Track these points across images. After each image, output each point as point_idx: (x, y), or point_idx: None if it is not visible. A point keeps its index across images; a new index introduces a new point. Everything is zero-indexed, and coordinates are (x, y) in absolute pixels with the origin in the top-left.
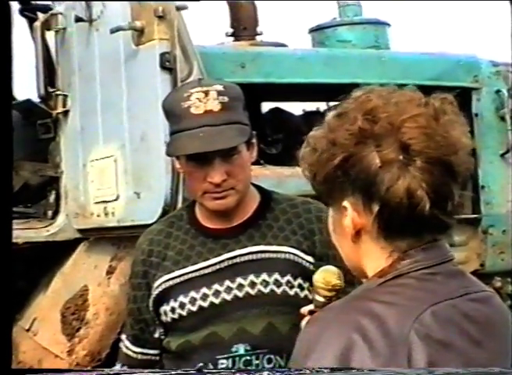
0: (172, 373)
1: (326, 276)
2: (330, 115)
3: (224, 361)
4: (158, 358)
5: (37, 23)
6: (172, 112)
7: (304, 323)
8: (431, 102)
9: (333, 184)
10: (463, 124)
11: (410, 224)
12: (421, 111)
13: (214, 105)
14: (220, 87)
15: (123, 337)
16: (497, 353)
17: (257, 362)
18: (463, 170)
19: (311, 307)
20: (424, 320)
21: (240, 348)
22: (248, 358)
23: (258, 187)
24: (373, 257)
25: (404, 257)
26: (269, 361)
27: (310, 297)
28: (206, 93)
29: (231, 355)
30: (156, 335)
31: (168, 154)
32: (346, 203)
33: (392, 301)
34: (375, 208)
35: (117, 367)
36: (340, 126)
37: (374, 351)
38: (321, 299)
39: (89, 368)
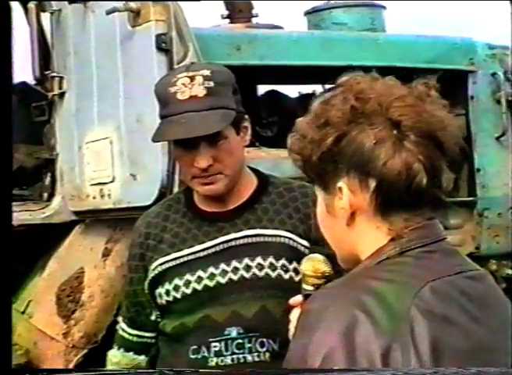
0: (165, 371)
1: (315, 263)
2: (315, 103)
3: (217, 344)
4: (153, 340)
5: (32, 5)
6: (161, 97)
7: (292, 315)
8: (414, 86)
9: (327, 166)
10: (446, 107)
11: (408, 198)
12: (407, 92)
13: (199, 90)
14: (207, 72)
15: (120, 319)
16: (494, 329)
17: (249, 345)
18: (452, 147)
19: (299, 298)
20: (424, 296)
21: (233, 331)
22: (240, 341)
23: (256, 171)
24: (368, 238)
25: (400, 236)
26: (262, 344)
27: None
28: (192, 78)
29: (223, 337)
30: (152, 318)
31: (153, 139)
32: (341, 183)
33: (391, 279)
34: (372, 184)
35: (114, 349)
36: (331, 108)
37: (377, 327)
38: (310, 288)
39: (85, 351)
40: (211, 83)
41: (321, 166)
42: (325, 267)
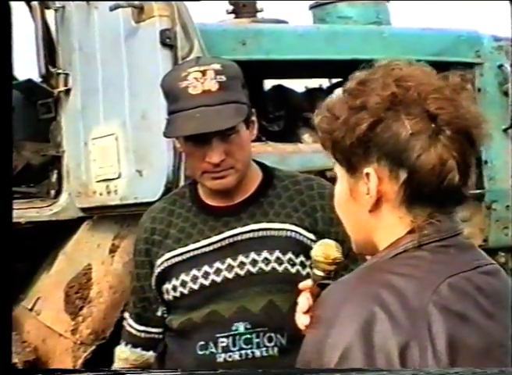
0: (178, 373)
1: (326, 249)
2: (351, 82)
3: (224, 339)
4: (160, 336)
5: (36, 2)
6: (170, 91)
7: (300, 298)
8: (450, 78)
9: (357, 150)
10: (476, 101)
11: (437, 193)
12: (444, 84)
13: (211, 84)
14: (218, 66)
15: (127, 315)
16: (507, 325)
17: (257, 340)
18: (479, 145)
19: (309, 282)
20: (442, 292)
21: (240, 327)
22: (248, 336)
23: (261, 165)
24: (389, 227)
25: (419, 229)
26: (270, 339)
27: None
28: (203, 72)
29: (231, 333)
30: (159, 313)
31: (166, 135)
32: (369, 169)
33: (410, 274)
34: (403, 175)
35: (121, 346)
36: (370, 92)
37: (395, 324)
38: (321, 273)
39: (93, 347)
40: (224, 78)
41: (351, 150)
42: (336, 253)
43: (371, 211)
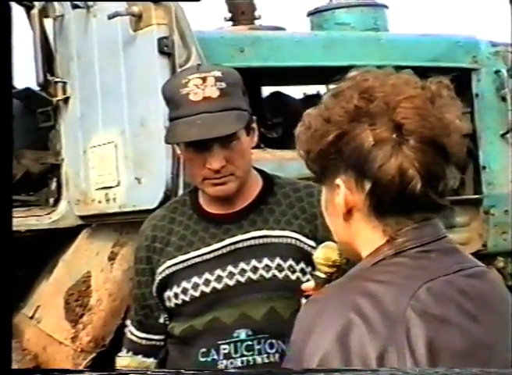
0: (183, 371)
1: (327, 252)
2: (327, 95)
3: (226, 346)
4: (162, 343)
5: (35, 11)
6: (171, 98)
7: (304, 299)
8: (427, 86)
9: (326, 162)
10: (458, 108)
11: (401, 202)
12: (418, 93)
13: (212, 91)
14: (218, 73)
15: (128, 322)
16: (493, 327)
17: (258, 347)
18: (456, 152)
19: (311, 283)
20: (421, 297)
21: (242, 333)
22: (250, 343)
23: (261, 172)
24: (365, 236)
25: (397, 236)
26: (271, 346)
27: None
28: (204, 79)
29: (233, 340)
30: (161, 320)
31: (167, 141)
32: (338, 181)
33: (388, 280)
34: (367, 185)
35: (122, 353)
36: (336, 104)
37: (372, 330)
38: (322, 275)
39: (93, 354)
40: (224, 84)
41: (319, 161)
42: (336, 256)
43: (346, 221)
